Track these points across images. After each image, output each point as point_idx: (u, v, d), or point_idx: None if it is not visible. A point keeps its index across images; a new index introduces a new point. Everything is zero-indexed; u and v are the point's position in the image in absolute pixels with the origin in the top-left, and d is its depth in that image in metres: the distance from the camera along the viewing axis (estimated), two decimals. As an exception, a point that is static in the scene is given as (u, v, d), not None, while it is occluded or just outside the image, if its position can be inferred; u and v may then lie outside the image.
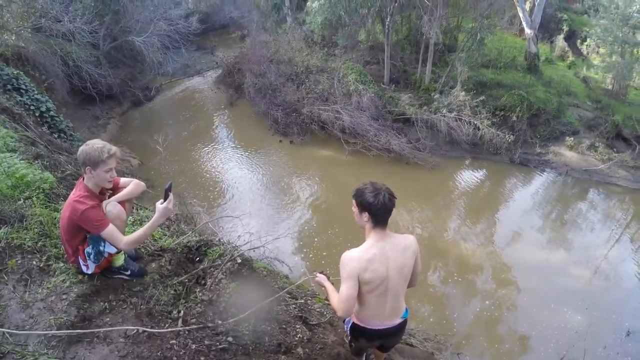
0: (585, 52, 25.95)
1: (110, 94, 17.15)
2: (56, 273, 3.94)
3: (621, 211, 14.67)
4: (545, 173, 16.16)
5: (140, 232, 3.65)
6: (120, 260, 4.03)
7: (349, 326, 3.65)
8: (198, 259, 5.00)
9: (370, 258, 3.13)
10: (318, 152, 15.69)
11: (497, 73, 19.57)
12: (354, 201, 3.22)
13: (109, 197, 3.81)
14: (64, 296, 3.74)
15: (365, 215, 3.15)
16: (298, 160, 15.22)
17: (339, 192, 13.65)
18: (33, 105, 10.67)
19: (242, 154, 15.54)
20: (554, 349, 8.53)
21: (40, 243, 4.20)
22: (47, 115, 10.87)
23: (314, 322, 5.01)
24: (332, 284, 3.54)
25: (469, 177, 15.61)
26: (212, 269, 4.77)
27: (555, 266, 11.34)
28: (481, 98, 16.37)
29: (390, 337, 3.64)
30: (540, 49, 22.09)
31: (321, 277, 3.63)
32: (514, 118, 16.75)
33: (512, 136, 15.91)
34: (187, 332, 3.90)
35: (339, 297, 3.14)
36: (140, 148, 14.76)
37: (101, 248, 3.69)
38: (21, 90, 10.87)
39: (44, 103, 10.95)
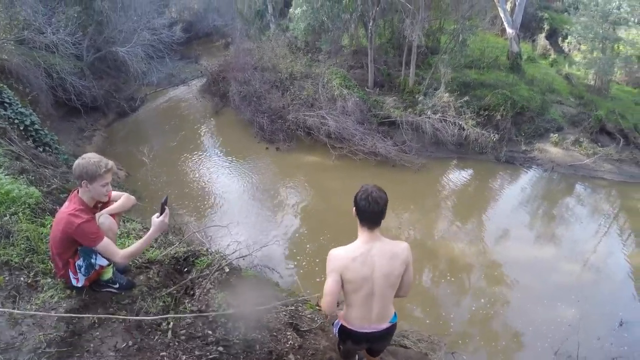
0: (566, 50, 26.20)
1: (95, 105, 17.04)
2: (44, 289, 3.92)
3: (608, 204, 14.83)
4: (531, 170, 16.29)
5: (136, 245, 3.70)
6: (108, 274, 4.02)
7: (337, 329, 3.68)
8: (186, 269, 5.02)
9: (354, 257, 3.20)
10: (305, 158, 15.69)
11: (481, 73, 19.69)
12: (353, 202, 3.29)
13: (100, 210, 3.83)
14: (52, 312, 3.71)
15: (356, 214, 3.26)
16: (285, 166, 15.21)
17: (327, 197, 13.66)
18: (17, 118, 10.55)
19: (229, 163, 15.50)
20: (550, 344, 8.56)
21: (27, 259, 4.19)
22: (32, 129, 10.76)
23: (305, 329, 5.01)
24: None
25: (456, 177, 15.69)
26: (200, 279, 4.78)
27: (545, 261, 11.40)
28: (465, 98, 16.44)
29: (377, 341, 3.67)
30: (522, 48, 22.26)
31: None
32: (499, 117, 16.87)
33: (497, 135, 16.03)
34: (177, 344, 3.90)
35: (323, 291, 3.22)
36: (126, 159, 14.67)
37: (93, 261, 3.70)
38: (5, 104, 10.72)
39: (28, 116, 10.83)
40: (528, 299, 9.94)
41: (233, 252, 5.70)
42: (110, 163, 3.60)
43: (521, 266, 11.09)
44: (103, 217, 3.76)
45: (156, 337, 3.91)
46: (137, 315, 3.98)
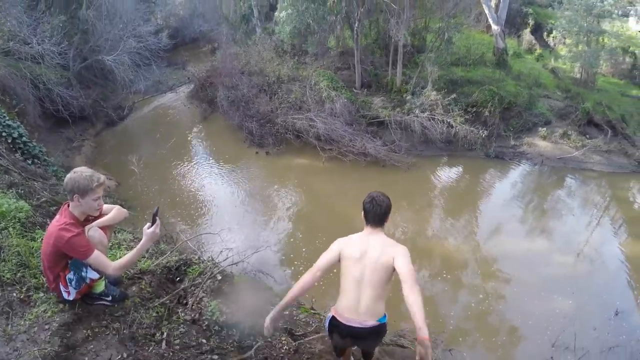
0: (552, 44, 26.42)
1: (83, 115, 16.89)
2: (37, 303, 3.91)
3: (599, 195, 14.96)
4: (521, 164, 16.42)
5: (128, 256, 3.68)
6: (100, 287, 4.01)
7: (327, 322, 3.75)
8: (178, 278, 5.02)
9: (354, 239, 3.69)
10: (295, 161, 15.67)
11: (467, 70, 19.81)
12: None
13: (91, 223, 3.80)
14: (46, 326, 3.71)
15: (363, 214, 3.72)
16: (275, 170, 15.18)
17: (319, 199, 13.67)
18: (4, 131, 10.42)
19: (219, 169, 15.44)
20: (549, 337, 8.58)
21: (19, 274, 4.17)
22: (20, 141, 10.62)
23: (299, 333, 5.01)
24: None
25: (446, 174, 15.76)
26: (192, 287, 4.78)
27: (539, 255, 11.46)
28: (453, 96, 16.52)
29: (363, 339, 3.69)
30: (507, 44, 22.42)
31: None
32: (486, 113, 16.95)
33: (485, 131, 16.11)
34: (172, 354, 3.90)
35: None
36: (116, 169, 14.57)
37: (83, 274, 3.68)
38: (-9, 118, 10.66)
39: (15, 129, 10.69)
40: (524, 292, 9.97)
41: (225, 259, 5.68)
42: (102, 177, 3.60)
43: (516, 260, 11.12)
44: (92, 230, 3.73)
45: (150, 348, 3.90)
46: (130, 327, 3.96)
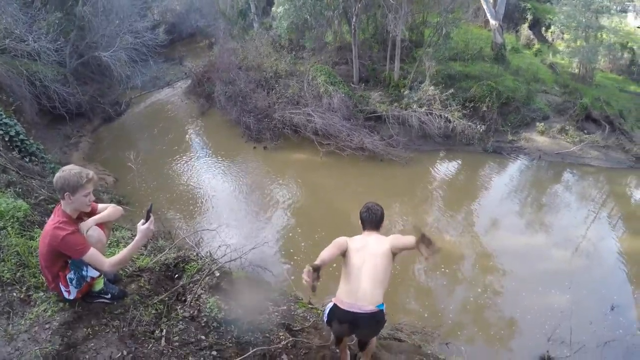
0: (550, 39, 26.42)
1: (80, 111, 16.84)
2: (37, 303, 3.93)
3: (596, 190, 15.00)
4: (518, 159, 16.46)
5: (123, 253, 3.71)
6: (100, 285, 4.02)
7: (327, 312, 3.91)
8: (177, 275, 5.03)
9: (356, 237, 4.10)
10: (293, 156, 15.66)
11: (465, 65, 19.77)
12: None
13: (85, 220, 3.82)
14: (47, 325, 3.74)
15: (361, 224, 4.23)
16: (273, 165, 15.15)
17: (317, 194, 13.65)
18: (1, 130, 10.35)
19: (217, 164, 15.41)
20: (546, 331, 8.64)
21: (19, 274, 4.19)
22: (17, 139, 10.55)
23: (297, 328, 5.04)
24: None
25: (444, 169, 15.77)
26: (191, 284, 4.79)
27: (537, 249, 11.52)
28: (450, 91, 16.51)
29: (361, 325, 3.78)
30: (506, 39, 22.38)
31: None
32: (484, 108, 16.95)
33: (483, 126, 16.15)
34: (171, 351, 3.92)
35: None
36: (114, 165, 14.53)
37: (84, 273, 3.70)
38: (-12, 116, 10.59)
39: (12, 127, 10.61)
40: (522, 287, 10.02)
41: (223, 256, 5.69)
42: (91, 173, 3.62)
43: (513, 255, 11.18)
44: (92, 230, 3.77)
45: (150, 345, 3.92)
46: (129, 324, 3.98)
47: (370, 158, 15.09)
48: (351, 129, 15.55)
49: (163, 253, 5.32)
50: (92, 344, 3.72)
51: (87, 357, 3.62)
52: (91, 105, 17.67)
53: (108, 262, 3.63)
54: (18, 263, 4.29)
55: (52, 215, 3.67)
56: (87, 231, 3.73)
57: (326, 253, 3.82)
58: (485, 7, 21.43)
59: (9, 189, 6.26)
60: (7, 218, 4.98)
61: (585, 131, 17.31)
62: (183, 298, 4.64)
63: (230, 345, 4.26)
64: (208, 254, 5.97)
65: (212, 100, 19.00)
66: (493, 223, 12.73)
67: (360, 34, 19.21)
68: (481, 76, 18.51)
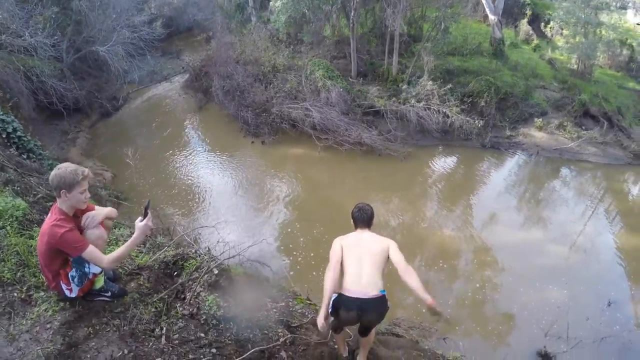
0: (549, 35, 26.42)
1: (78, 107, 16.68)
2: (38, 302, 3.96)
3: (594, 186, 15.05)
4: (516, 155, 16.49)
5: (121, 249, 3.75)
6: (100, 282, 4.05)
7: (332, 300, 4.08)
8: (176, 273, 5.06)
9: (350, 235, 4.39)
10: (291, 151, 15.62)
11: (464, 60, 19.78)
12: None
13: (81, 218, 3.85)
14: (48, 325, 3.77)
15: (353, 223, 4.48)
16: (271, 160, 15.12)
17: (316, 189, 13.64)
18: (-1, 127, 10.40)
19: (215, 159, 15.36)
20: (544, 326, 8.69)
21: (19, 273, 4.21)
22: (14, 136, 10.51)
23: (295, 324, 5.08)
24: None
25: (442, 164, 15.78)
26: (190, 282, 4.82)
27: (534, 244, 11.57)
28: (449, 86, 16.52)
29: (367, 310, 4.01)
30: (504, 34, 22.37)
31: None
32: (483, 103, 16.96)
33: (481, 121, 16.12)
34: (171, 349, 3.96)
35: (329, 256, 4.20)
36: (112, 160, 14.43)
37: (86, 270, 3.74)
38: (-15, 114, 10.51)
39: (10, 124, 10.58)
40: (519, 282, 10.05)
41: (222, 253, 5.70)
42: (87, 170, 3.67)
43: (511, 250, 11.21)
44: (91, 227, 3.82)
45: (150, 344, 3.95)
46: (130, 323, 4.02)
47: (368, 153, 15.07)
48: (349, 124, 15.52)
49: (162, 251, 5.33)
50: (93, 343, 3.76)
51: (88, 356, 3.65)
52: (88, 100, 17.53)
53: (107, 258, 3.67)
54: (18, 263, 4.31)
55: (49, 214, 3.70)
56: (87, 230, 3.78)
57: (330, 278, 4.06)
58: (484, 1, 21.41)
59: (7, 187, 6.27)
60: (6, 217, 4.98)
61: (584, 127, 17.35)
62: (182, 296, 4.67)
63: (230, 342, 4.29)
64: (207, 250, 5.99)
65: (210, 94, 18.92)
66: (491, 218, 12.75)
67: (358, 28, 19.15)
68: (479, 71, 18.51)
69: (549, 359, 7.99)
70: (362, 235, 4.33)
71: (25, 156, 10.21)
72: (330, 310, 4.07)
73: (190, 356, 3.97)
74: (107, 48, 17.38)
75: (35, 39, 14.89)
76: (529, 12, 27.09)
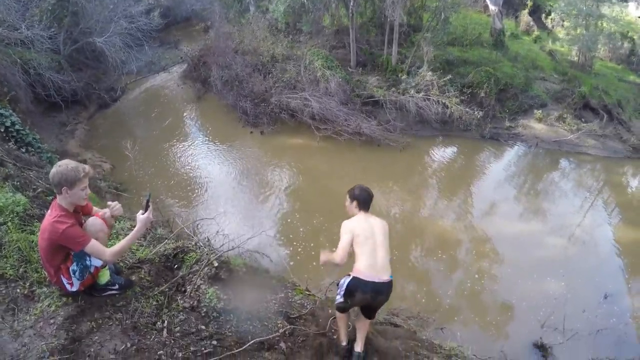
0: (550, 26, 26.33)
1: (75, 98, 16.57)
2: (41, 298, 4.02)
3: (592, 178, 15.07)
4: (516, 146, 16.51)
5: (123, 242, 3.86)
6: (106, 277, 4.14)
7: (344, 285, 4.38)
8: (176, 266, 5.11)
9: (359, 221, 4.49)
10: (290, 141, 15.59)
11: (464, 51, 19.72)
12: (347, 196, 4.71)
13: (82, 214, 3.98)
14: (51, 320, 3.83)
15: (355, 203, 4.60)
16: (270, 150, 15.09)
17: (315, 179, 13.63)
18: (-3, 121, 10.32)
19: (214, 149, 15.32)
20: (541, 317, 8.74)
21: (21, 270, 4.25)
22: (13, 130, 10.46)
23: (294, 315, 5.12)
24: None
25: (441, 154, 15.81)
26: (190, 275, 4.87)
27: (533, 236, 11.62)
28: (448, 77, 16.49)
29: (380, 293, 4.33)
30: (505, 25, 22.29)
31: (322, 256, 4.46)
32: (482, 94, 16.95)
33: (481, 112, 16.09)
34: (172, 341, 4.02)
35: (338, 247, 4.31)
36: (111, 152, 14.36)
37: (87, 262, 3.80)
38: (-17, 108, 10.44)
39: (8, 117, 10.51)
40: (517, 273, 10.10)
41: (221, 245, 5.74)
42: (87, 167, 3.74)
43: (509, 241, 11.26)
44: (92, 219, 3.92)
45: (152, 337, 4.01)
46: (132, 316, 4.08)
47: (367, 143, 15.06)
48: (348, 114, 15.51)
49: (162, 244, 5.39)
50: (97, 337, 3.83)
51: (92, 350, 3.71)
52: (86, 91, 17.41)
53: (109, 251, 3.75)
54: (20, 259, 4.34)
55: (49, 210, 3.76)
56: (88, 221, 3.89)
57: (337, 262, 4.29)
58: (484, -9, 21.32)
59: (6, 183, 6.27)
60: (7, 213, 5.00)
61: (583, 120, 17.35)
62: (183, 289, 4.73)
63: (230, 334, 4.36)
64: (206, 241, 6.04)
65: (209, 84, 18.82)
66: (490, 209, 12.79)
67: (357, 17, 19.06)
68: (479, 62, 18.48)
69: (545, 350, 8.04)
70: (370, 220, 4.51)
71: (24, 150, 10.16)
72: (343, 293, 4.38)
73: (192, 348, 4.03)
74: (105, 39, 17.22)
75: (32, 31, 14.76)
76: (529, 3, 26.96)
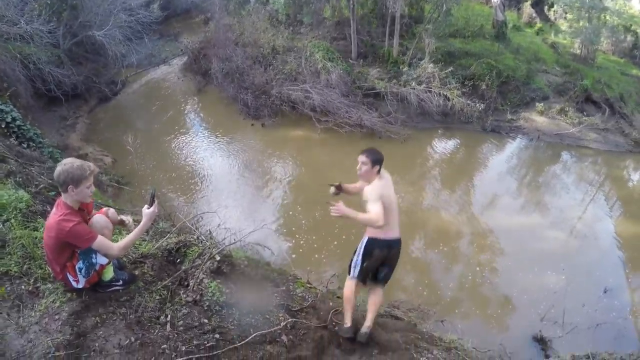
0: (552, 18, 26.23)
1: (76, 92, 16.50)
2: (45, 294, 4.03)
3: (593, 172, 15.05)
4: (517, 139, 16.49)
5: (130, 236, 3.94)
6: (109, 273, 4.18)
7: (363, 246, 4.79)
8: (179, 260, 5.14)
9: (384, 188, 4.70)
10: (291, 133, 15.56)
11: (465, 42, 19.66)
12: (368, 160, 4.71)
13: (87, 212, 4.01)
14: (56, 316, 3.86)
15: (376, 168, 4.73)
16: (272, 142, 15.05)
17: (316, 171, 13.58)
18: (-2, 117, 10.27)
19: (216, 142, 15.28)
20: (542, 310, 8.74)
21: (25, 266, 4.26)
22: (14, 125, 10.34)
23: (296, 308, 5.18)
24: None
25: (442, 147, 15.79)
26: (192, 269, 4.90)
27: (533, 229, 11.60)
28: (450, 69, 16.46)
29: (392, 247, 4.83)
30: (507, 17, 22.19)
31: (339, 208, 4.42)
32: (484, 86, 16.93)
33: (482, 105, 16.07)
34: (176, 335, 4.07)
35: (376, 212, 4.40)
36: (112, 145, 14.28)
37: (93, 260, 3.85)
38: (-16, 104, 10.40)
39: (8, 113, 10.41)
40: (518, 266, 10.10)
41: (223, 239, 5.77)
42: (92, 165, 3.77)
43: (510, 234, 11.25)
44: (97, 216, 3.98)
45: (156, 331, 4.05)
46: (136, 311, 4.13)
47: (368, 135, 15.04)
48: (349, 106, 15.49)
49: (164, 238, 5.42)
50: (101, 332, 3.87)
51: (96, 345, 3.76)
52: (87, 85, 17.35)
53: (117, 246, 3.84)
54: (24, 255, 4.35)
55: (54, 209, 3.77)
56: (93, 218, 3.96)
57: (382, 214, 4.44)
58: (486, -17, 21.23)
59: (9, 179, 6.27)
60: (10, 210, 4.99)
61: (585, 113, 17.33)
62: (186, 283, 4.76)
63: (232, 327, 4.41)
64: (208, 234, 6.09)
65: (209, 77, 18.76)
66: (490, 202, 12.78)
67: (358, 9, 18.96)
68: (481, 54, 18.42)
69: (544, 343, 8.05)
70: (390, 186, 4.87)
71: (25, 145, 10.10)
72: (362, 253, 4.78)
73: (195, 342, 4.06)
74: (104, 32, 17.14)
75: (31, 26, 14.67)
76: (532, -5, 26.88)
